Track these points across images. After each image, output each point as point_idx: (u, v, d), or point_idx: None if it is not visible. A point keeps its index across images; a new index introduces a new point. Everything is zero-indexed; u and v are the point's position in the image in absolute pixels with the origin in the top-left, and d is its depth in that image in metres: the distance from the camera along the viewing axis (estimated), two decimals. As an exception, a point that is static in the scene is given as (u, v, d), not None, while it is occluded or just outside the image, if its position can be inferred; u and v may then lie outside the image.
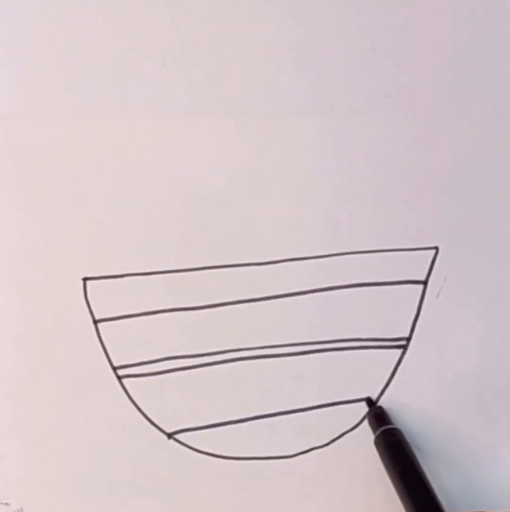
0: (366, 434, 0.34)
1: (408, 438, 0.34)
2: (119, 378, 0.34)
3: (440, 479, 0.35)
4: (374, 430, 0.34)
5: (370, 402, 0.35)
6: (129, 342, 0.34)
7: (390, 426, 0.34)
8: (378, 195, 0.36)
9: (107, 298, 0.34)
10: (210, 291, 0.35)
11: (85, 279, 0.34)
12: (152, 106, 0.35)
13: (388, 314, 0.35)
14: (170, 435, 0.34)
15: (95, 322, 0.34)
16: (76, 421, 0.33)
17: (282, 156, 0.35)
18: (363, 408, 0.35)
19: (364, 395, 0.35)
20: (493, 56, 0.37)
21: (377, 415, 0.34)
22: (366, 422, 0.35)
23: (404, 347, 0.35)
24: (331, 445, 0.35)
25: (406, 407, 0.35)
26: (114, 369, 0.34)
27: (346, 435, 0.35)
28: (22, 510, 0.33)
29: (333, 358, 0.35)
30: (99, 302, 0.34)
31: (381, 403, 0.35)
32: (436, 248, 0.36)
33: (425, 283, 0.36)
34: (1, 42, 0.34)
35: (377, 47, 0.36)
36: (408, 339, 0.35)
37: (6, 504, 0.33)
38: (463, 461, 0.35)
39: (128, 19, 0.34)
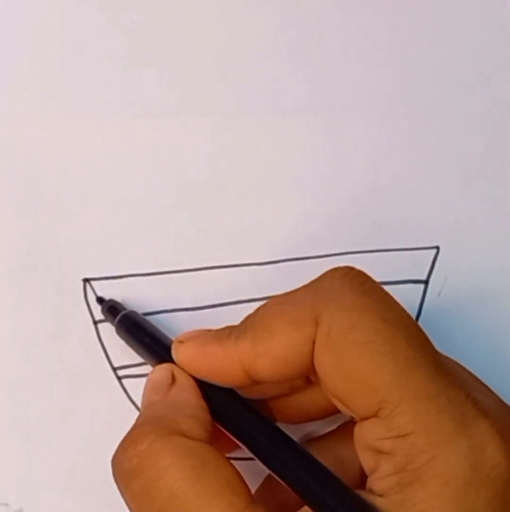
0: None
1: None
2: (119, 378, 0.34)
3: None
4: (112, 322, 0.33)
5: (100, 300, 0.34)
6: (129, 343, 0.34)
7: (125, 312, 0.33)
8: (378, 194, 0.36)
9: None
10: (210, 291, 0.35)
11: (85, 280, 0.34)
12: (152, 105, 0.35)
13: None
14: (170, 435, 0.34)
15: (95, 322, 0.34)
16: (76, 421, 0.33)
17: (282, 155, 0.35)
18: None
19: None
20: (493, 56, 0.37)
21: (112, 308, 0.33)
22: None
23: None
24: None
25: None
26: (114, 369, 0.34)
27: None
28: (22, 510, 0.33)
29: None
30: (99, 302, 0.34)
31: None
32: (437, 247, 0.36)
33: (426, 282, 0.36)
34: (1, 42, 0.34)
35: (377, 47, 0.36)
36: None
37: (6, 504, 0.33)
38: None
39: (126, 18, 0.34)
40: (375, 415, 0.26)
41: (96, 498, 0.33)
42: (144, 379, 0.34)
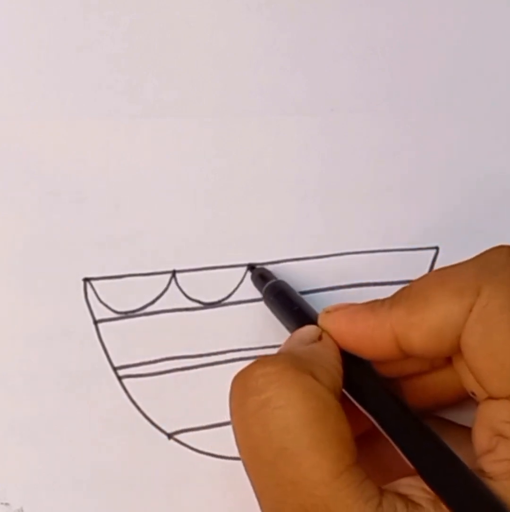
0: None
1: None
2: (120, 378, 0.34)
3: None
4: (260, 289, 0.34)
5: (251, 267, 0.35)
6: (129, 342, 0.34)
7: (274, 281, 0.34)
8: (378, 195, 0.36)
9: (108, 299, 0.34)
10: (210, 291, 0.35)
11: (85, 280, 0.34)
12: (153, 106, 0.35)
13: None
14: (170, 435, 0.34)
15: (96, 322, 0.34)
16: (76, 421, 0.33)
17: (282, 156, 0.35)
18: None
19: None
20: (493, 56, 0.37)
21: (261, 276, 0.34)
22: None
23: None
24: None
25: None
26: (115, 369, 0.34)
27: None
28: (22, 510, 0.33)
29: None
30: (99, 302, 0.34)
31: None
32: (437, 248, 0.36)
33: (425, 282, 0.36)
34: (1, 42, 0.34)
35: (377, 47, 0.36)
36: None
37: (6, 504, 0.33)
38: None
39: (127, 18, 0.34)
40: (507, 397, 0.26)
41: (97, 498, 0.33)
42: (144, 379, 0.34)
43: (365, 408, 0.28)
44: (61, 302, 0.34)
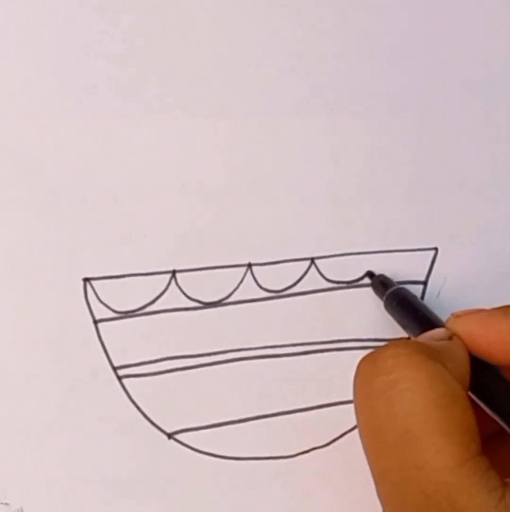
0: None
1: None
2: (119, 378, 0.34)
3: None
4: (381, 296, 0.34)
5: (370, 274, 0.35)
6: (129, 342, 0.34)
7: (396, 287, 0.34)
8: (378, 196, 0.36)
9: (108, 299, 0.34)
10: (210, 291, 0.35)
11: (85, 280, 0.34)
12: (153, 106, 0.35)
13: (389, 314, 0.35)
14: (170, 435, 0.34)
15: (95, 322, 0.34)
16: (76, 421, 0.33)
17: (282, 157, 0.35)
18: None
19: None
20: (493, 57, 0.37)
21: (382, 282, 0.35)
22: None
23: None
24: (331, 445, 0.35)
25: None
26: (114, 369, 0.34)
27: (346, 435, 0.35)
28: (22, 510, 0.33)
29: (333, 358, 0.35)
30: (99, 302, 0.34)
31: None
32: (436, 248, 0.36)
33: (425, 283, 0.36)
34: (1, 43, 0.34)
35: (377, 48, 0.36)
36: (408, 338, 0.35)
37: (6, 504, 0.33)
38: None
39: (127, 18, 0.34)
40: None
41: (97, 498, 0.33)
42: (144, 379, 0.34)
43: (494, 410, 0.28)
44: (61, 302, 0.34)
